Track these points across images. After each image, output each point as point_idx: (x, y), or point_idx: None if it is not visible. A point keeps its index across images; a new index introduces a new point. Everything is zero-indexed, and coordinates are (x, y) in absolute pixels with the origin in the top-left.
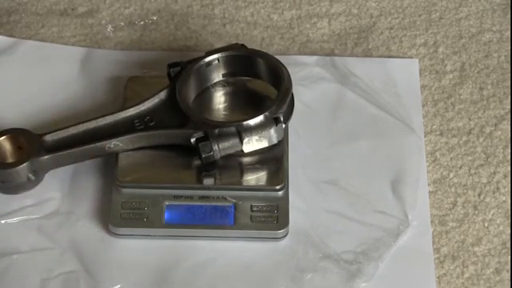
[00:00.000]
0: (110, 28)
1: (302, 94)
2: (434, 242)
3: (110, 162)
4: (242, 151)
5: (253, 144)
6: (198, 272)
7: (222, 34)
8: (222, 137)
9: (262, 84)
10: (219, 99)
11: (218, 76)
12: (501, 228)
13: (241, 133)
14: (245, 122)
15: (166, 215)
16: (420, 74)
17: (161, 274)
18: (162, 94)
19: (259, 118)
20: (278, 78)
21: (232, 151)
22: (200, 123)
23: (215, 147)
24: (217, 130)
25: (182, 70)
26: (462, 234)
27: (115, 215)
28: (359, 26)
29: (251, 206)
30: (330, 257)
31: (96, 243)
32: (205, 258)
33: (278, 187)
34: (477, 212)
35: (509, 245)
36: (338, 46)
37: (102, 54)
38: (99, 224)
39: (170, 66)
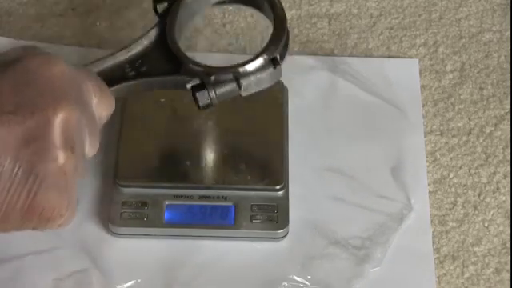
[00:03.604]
0: (109, 28)
1: (302, 92)
2: (434, 242)
3: (110, 161)
4: (241, 95)
5: (251, 88)
6: (198, 272)
7: (222, 33)
8: (219, 83)
9: None
10: None
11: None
12: (501, 228)
13: (238, 78)
14: (241, 68)
15: (166, 215)
16: (420, 74)
17: (160, 274)
18: (152, 35)
19: (257, 62)
20: (271, 7)
21: (230, 96)
22: (194, 69)
23: (212, 94)
24: (213, 77)
25: (170, 6)
26: (462, 233)
27: (115, 215)
28: (359, 25)
29: (251, 206)
30: (338, 243)
31: (96, 243)
32: (204, 258)
33: (278, 187)
34: (477, 212)
35: (509, 245)
36: (337, 46)
37: (101, 54)
38: (99, 224)
39: (156, 0)
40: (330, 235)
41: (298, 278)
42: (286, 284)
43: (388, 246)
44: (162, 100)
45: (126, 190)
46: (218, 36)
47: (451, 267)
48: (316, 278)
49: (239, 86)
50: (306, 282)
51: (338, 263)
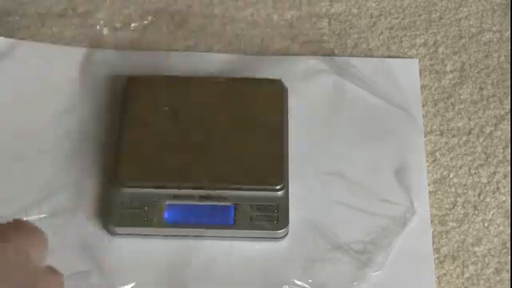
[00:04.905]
0: (109, 28)
1: (302, 91)
2: (434, 242)
3: (109, 161)
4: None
5: None
6: (198, 272)
7: (222, 34)
8: None
9: None
10: None
11: None
12: (501, 228)
13: None
14: None
15: (166, 215)
16: (420, 74)
17: (160, 274)
18: None
19: None
20: None
21: None
22: None
23: None
24: None
25: None
26: (461, 233)
27: (115, 215)
28: (359, 25)
29: (251, 206)
30: (340, 247)
31: (96, 243)
32: (204, 258)
33: (278, 187)
34: (477, 212)
35: (509, 245)
36: (337, 45)
37: (102, 54)
38: (99, 224)
39: None
40: (331, 239)
41: (298, 282)
42: (287, 287)
43: (390, 249)
44: (164, 105)
45: (126, 190)
46: (218, 36)
47: (451, 267)
48: (317, 282)
49: None
50: (307, 286)
51: (339, 267)
